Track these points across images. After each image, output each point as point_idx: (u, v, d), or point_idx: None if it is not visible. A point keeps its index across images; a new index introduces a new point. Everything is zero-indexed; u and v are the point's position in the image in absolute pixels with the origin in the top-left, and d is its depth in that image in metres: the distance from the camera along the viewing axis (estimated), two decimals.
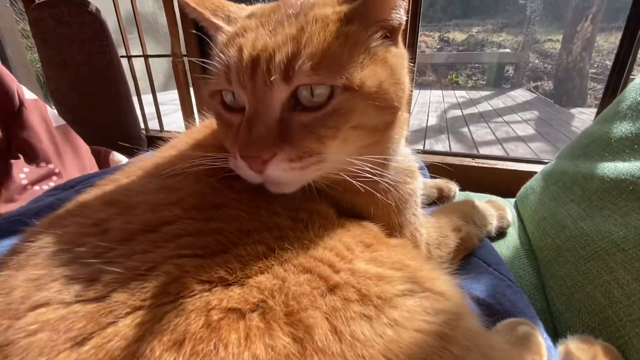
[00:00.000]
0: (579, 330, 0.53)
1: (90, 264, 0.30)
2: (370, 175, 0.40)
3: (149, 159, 0.50)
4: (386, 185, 0.46)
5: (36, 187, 1.16)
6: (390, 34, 0.42)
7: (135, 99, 1.92)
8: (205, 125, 0.57)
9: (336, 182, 0.44)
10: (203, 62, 0.43)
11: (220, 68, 0.38)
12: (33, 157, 1.20)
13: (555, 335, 0.56)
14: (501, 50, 7.83)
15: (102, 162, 1.48)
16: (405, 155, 0.55)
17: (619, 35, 1.05)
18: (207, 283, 0.29)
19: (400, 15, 0.41)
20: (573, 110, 5.08)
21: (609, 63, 1.17)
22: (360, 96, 0.37)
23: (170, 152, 0.49)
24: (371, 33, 0.40)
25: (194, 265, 0.30)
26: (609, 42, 6.34)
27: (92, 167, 1.39)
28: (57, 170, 1.24)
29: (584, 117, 4.60)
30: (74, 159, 1.34)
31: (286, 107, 0.37)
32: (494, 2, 9.02)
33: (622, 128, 0.68)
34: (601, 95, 1.13)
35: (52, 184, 1.19)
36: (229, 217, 0.36)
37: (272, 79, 0.35)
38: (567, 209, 0.67)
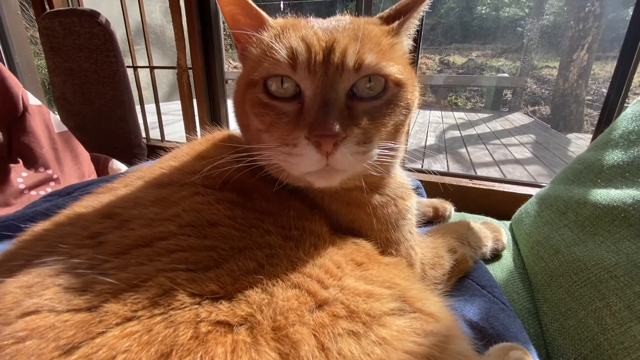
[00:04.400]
0: (571, 357, 0.52)
1: (83, 274, 0.30)
2: (381, 171, 0.45)
3: (148, 168, 0.50)
4: (388, 197, 0.51)
5: (33, 192, 1.16)
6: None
7: (138, 108, 1.94)
8: (207, 138, 0.58)
9: (344, 190, 0.49)
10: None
11: (280, 56, 0.40)
12: (32, 162, 1.20)
13: None
14: (500, 74, 8.01)
15: (102, 169, 1.48)
16: (402, 174, 0.58)
17: (615, 64, 1.09)
18: (198, 296, 0.30)
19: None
20: (570, 135, 5.16)
21: (605, 91, 1.21)
22: (404, 92, 0.44)
23: (171, 162, 0.50)
24: (404, 49, 0.49)
25: (186, 279, 0.30)
26: (604, 71, 6.50)
27: (90, 174, 1.39)
28: (55, 176, 1.24)
29: (580, 143, 4.66)
30: (73, 165, 1.34)
31: (348, 95, 0.41)
32: (493, 28, 9.29)
33: (614, 156, 0.69)
34: (597, 122, 1.16)
35: (49, 190, 1.19)
36: (222, 235, 0.36)
37: (345, 66, 0.40)
38: (560, 233, 0.68)
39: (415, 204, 0.58)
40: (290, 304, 0.31)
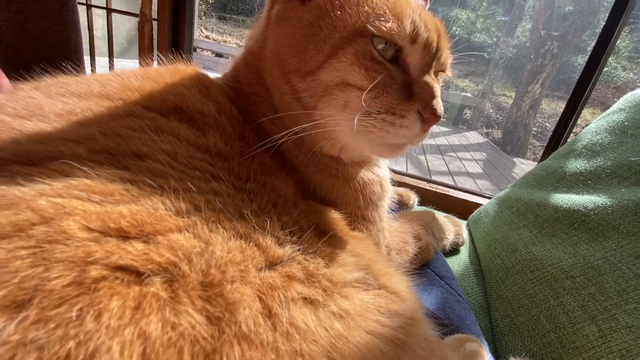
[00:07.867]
0: (520, 353, 0.51)
1: None
2: None
3: (78, 77, 0.39)
4: (377, 177, 0.51)
5: None
6: None
7: (87, 59, 1.70)
8: (167, 67, 0.44)
9: (338, 164, 0.46)
10: None
11: (407, 25, 0.38)
12: None
13: (496, 357, 0.54)
14: (464, 93, 8.46)
15: None
16: None
17: (559, 103, 1.18)
18: (96, 232, 0.21)
19: None
20: (515, 159, 5.60)
21: (548, 125, 1.30)
22: None
23: (111, 77, 0.38)
24: None
25: (83, 209, 0.21)
26: (550, 107, 7.15)
27: None
28: None
29: (523, 167, 5.08)
30: None
31: None
32: (464, 50, 9.82)
33: (577, 164, 0.71)
34: (539, 151, 1.23)
35: None
36: (150, 170, 0.27)
37: (443, 58, 0.44)
38: (519, 233, 0.67)
39: (391, 188, 0.55)
40: (232, 256, 0.23)
